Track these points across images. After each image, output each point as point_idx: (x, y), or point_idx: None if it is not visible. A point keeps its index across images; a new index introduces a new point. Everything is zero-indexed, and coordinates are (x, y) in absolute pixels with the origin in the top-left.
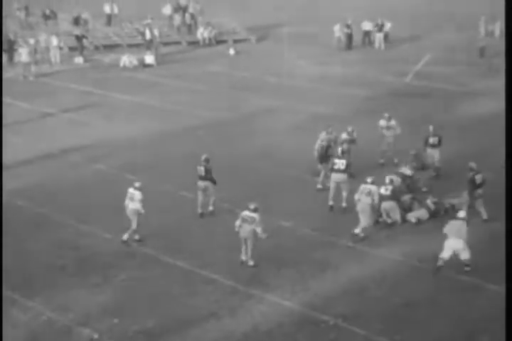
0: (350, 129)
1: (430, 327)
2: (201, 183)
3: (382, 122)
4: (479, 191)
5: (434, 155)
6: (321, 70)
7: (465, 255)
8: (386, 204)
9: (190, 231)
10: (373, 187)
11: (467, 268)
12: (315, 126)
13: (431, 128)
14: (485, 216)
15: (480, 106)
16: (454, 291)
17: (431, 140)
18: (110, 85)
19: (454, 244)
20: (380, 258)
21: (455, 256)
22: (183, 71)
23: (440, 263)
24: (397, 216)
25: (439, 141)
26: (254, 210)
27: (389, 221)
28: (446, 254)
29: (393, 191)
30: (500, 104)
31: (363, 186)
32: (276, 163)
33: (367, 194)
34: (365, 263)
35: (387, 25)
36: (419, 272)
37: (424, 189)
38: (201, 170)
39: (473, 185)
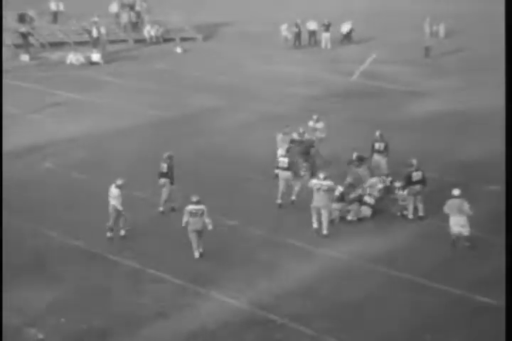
0: (301, 130)
1: (376, 326)
2: (162, 180)
3: (311, 123)
4: (417, 187)
5: (380, 161)
6: (268, 69)
7: (465, 231)
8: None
9: (139, 229)
10: (329, 183)
11: (467, 244)
12: (262, 126)
13: (377, 133)
14: (421, 212)
15: (425, 105)
16: (398, 290)
17: (377, 145)
18: (57, 83)
19: (458, 220)
20: (326, 257)
21: (406, 258)
22: (129, 69)
23: (454, 237)
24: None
25: (386, 147)
26: (198, 202)
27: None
28: (455, 230)
29: (341, 193)
30: (444, 104)
31: (316, 182)
32: (223, 162)
33: (326, 190)
34: (312, 263)
35: (348, 26)
36: (366, 271)
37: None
38: (164, 167)
39: (409, 181)
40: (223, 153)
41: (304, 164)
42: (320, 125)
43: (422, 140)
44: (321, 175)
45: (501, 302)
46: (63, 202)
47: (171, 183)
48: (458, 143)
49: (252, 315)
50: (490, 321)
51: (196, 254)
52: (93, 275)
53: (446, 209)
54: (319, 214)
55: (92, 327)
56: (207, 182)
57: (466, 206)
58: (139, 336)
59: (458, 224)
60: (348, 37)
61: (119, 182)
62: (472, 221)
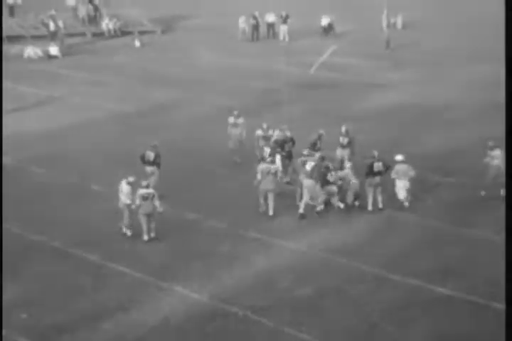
0: (265, 126)
1: (337, 318)
2: (149, 168)
3: (231, 119)
4: (377, 179)
5: (344, 155)
6: (227, 62)
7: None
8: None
9: (97, 223)
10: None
11: (406, 204)
12: (219, 119)
13: (343, 128)
14: (380, 205)
15: (383, 97)
16: (359, 282)
17: (341, 139)
18: (15, 77)
19: (405, 184)
20: (286, 249)
21: (365, 249)
22: (88, 63)
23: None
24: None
25: (349, 143)
26: (148, 186)
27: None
28: (401, 196)
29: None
30: (402, 96)
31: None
32: (183, 155)
33: (273, 173)
34: (273, 255)
35: (329, 19)
36: (326, 263)
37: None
38: (151, 155)
39: (370, 171)
40: (182, 147)
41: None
42: (241, 120)
43: (379, 132)
44: (268, 159)
45: (457, 292)
46: (23, 197)
47: (159, 168)
48: (415, 136)
49: (213, 308)
50: (448, 311)
51: (145, 237)
52: (54, 270)
53: (393, 174)
54: (266, 197)
55: (54, 322)
56: (168, 176)
57: (412, 170)
58: (101, 330)
59: (405, 187)
60: (328, 30)
61: (131, 179)
62: (429, 212)
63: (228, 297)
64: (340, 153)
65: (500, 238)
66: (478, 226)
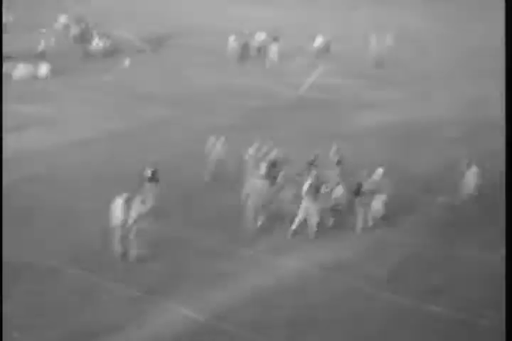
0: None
1: (328, 335)
2: (148, 184)
3: (212, 140)
4: (366, 198)
5: (331, 175)
6: (216, 81)
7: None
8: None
9: (89, 241)
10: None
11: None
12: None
13: (334, 147)
14: (370, 223)
15: (371, 117)
16: (352, 297)
17: (331, 158)
18: (3, 96)
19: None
20: (280, 266)
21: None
22: (77, 82)
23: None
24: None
25: (339, 161)
26: (144, 202)
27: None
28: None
29: None
30: (390, 115)
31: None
32: (173, 172)
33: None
34: (266, 272)
35: (320, 39)
36: (319, 279)
37: None
38: (149, 172)
39: (358, 192)
40: (175, 165)
41: None
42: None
43: (368, 151)
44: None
45: (450, 311)
46: (12, 216)
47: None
48: (404, 155)
49: (206, 325)
50: (437, 329)
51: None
52: (45, 289)
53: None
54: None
55: None
56: (163, 194)
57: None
58: None
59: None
60: (323, 50)
61: (126, 195)
62: (422, 231)
63: (221, 314)
64: (327, 172)
65: (488, 256)
66: (467, 246)
